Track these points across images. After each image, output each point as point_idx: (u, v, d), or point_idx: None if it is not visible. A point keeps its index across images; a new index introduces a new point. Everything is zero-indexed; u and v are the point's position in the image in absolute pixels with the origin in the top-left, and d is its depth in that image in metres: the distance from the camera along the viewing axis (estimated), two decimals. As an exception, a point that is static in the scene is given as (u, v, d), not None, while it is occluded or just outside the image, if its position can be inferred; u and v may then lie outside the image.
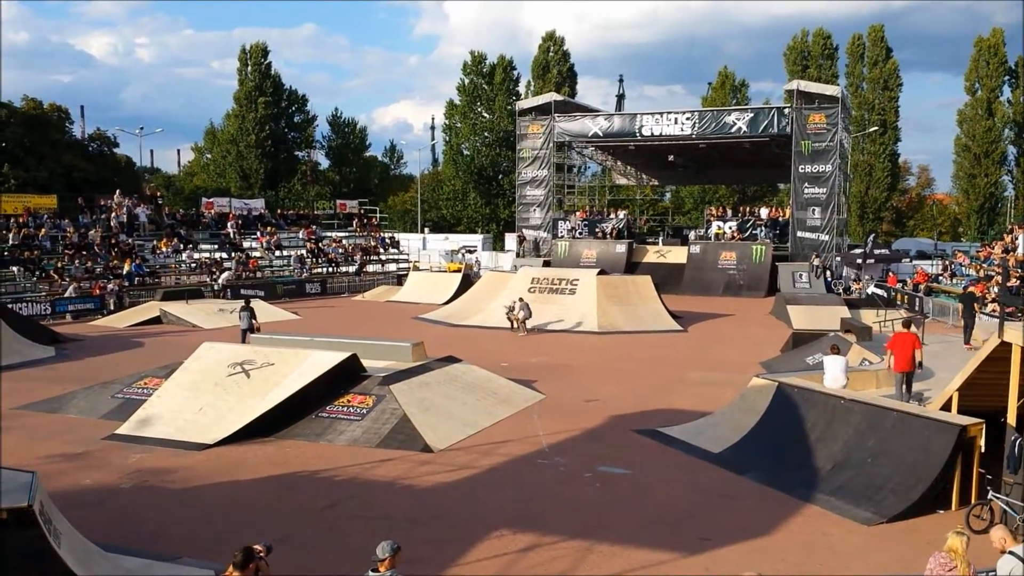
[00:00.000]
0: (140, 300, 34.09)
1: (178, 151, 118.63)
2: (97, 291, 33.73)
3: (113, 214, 41.33)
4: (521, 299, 29.40)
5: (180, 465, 13.25)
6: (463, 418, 15.95)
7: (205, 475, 12.77)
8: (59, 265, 34.94)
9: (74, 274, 34.32)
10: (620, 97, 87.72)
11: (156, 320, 30.81)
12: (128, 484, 12.40)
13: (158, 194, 57.30)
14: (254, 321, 25.06)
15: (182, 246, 41.62)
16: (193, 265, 40.13)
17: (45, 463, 12.73)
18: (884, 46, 66.00)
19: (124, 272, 36.08)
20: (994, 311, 25.87)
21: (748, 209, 51.95)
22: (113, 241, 39.09)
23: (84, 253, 36.74)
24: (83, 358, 23.45)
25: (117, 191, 44.81)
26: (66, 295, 32.86)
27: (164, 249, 40.67)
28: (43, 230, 37.36)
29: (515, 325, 28.90)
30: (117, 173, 63.98)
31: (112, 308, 32.88)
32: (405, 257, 51.03)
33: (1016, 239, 35.61)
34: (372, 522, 10.83)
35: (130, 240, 40.10)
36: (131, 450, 14.03)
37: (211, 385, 15.94)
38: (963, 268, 37.29)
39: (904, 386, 14.95)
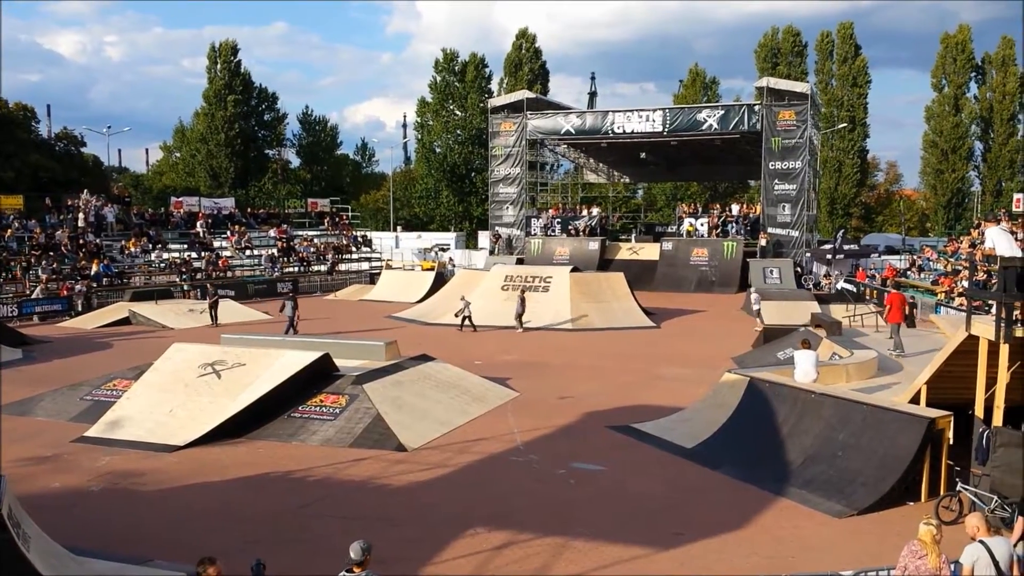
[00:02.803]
0: (108, 301, 33.69)
1: (146, 150, 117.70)
2: (64, 292, 33.32)
3: (80, 214, 40.84)
4: (463, 298, 29.72)
5: (150, 467, 13.11)
6: (437, 417, 15.92)
7: (176, 477, 12.65)
8: (23, 264, 34.44)
9: (41, 275, 33.87)
10: (592, 95, 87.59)
11: (125, 321, 30.46)
12: (98, 487, 12.26)
13: (126, 194, 56.67)
14: (297, 311, 27.52)
15: (151, 246, 41.23)
16: (162, 265, 39.74)
17: (13, 466, 12.52)
18: (853, 43, 66.62)
19: (92, 273, 35.66)
20: (961, 305, 26.20)
21: (720, 207, 52.26)
22: (81, 241, 38.64)
23: (51, 254, 36.26)
24: (51, 360, 23.14)
25: (84, 191, 44.31)
26: (33, 296, 32.44)
27: (132, 249, 40.27)
28: (9, 231, 36.84)
29: (466, 323, 28.90)
30: (84, 173, 63.11)
31: (80, 309, 32.49)
32: (378, 256, 50.83)
33: (983, 234, 36.08)
34: (346, 522, 10.78)
35: (98, 240, 39.64)
36: (101, 452, 13.86)
37: (181, 386, 15.80)
38: (931, 263, 37.75)
39: (898, 336, 19.74)
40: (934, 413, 11.68)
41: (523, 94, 50.92)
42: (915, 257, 40.54)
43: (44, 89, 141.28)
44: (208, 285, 35.41)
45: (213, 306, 30.43)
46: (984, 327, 11.16)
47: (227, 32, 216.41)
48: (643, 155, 49.60)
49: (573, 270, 33.65)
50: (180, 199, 50.43)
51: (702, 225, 46.29)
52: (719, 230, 45.08)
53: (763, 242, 42.52)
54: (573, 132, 47.90)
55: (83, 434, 14.83)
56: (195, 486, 12.26)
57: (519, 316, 28.74)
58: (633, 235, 51.12)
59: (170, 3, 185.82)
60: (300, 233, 49.88)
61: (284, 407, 15.42)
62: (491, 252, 48.73)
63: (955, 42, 64.26)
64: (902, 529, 10.09)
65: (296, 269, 45.10)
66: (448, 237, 60.31)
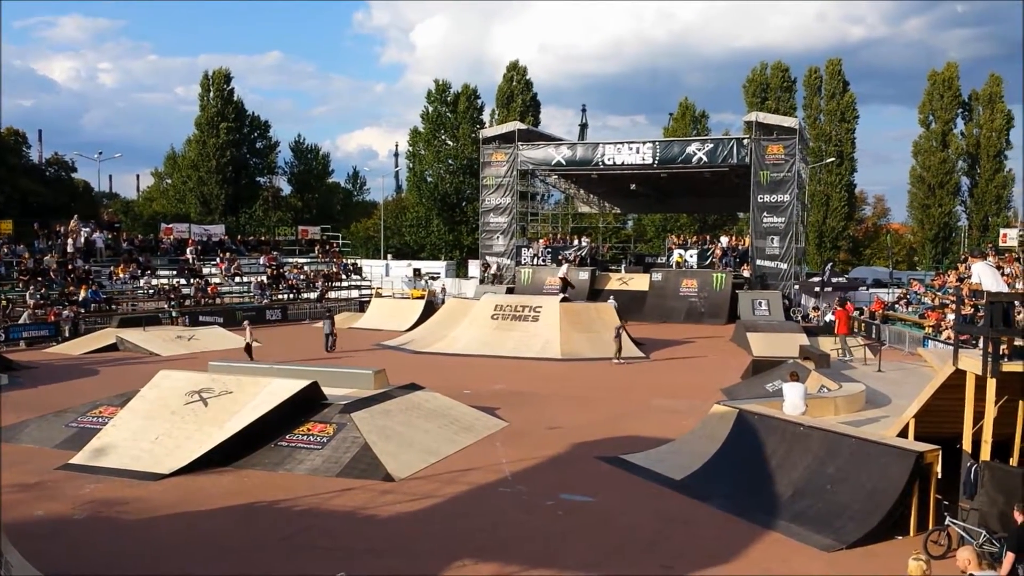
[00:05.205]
0: (96, 327, 33.50)
1: (137, 176, 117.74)
2: (52, 317, 33.13)
3: (70, 239, 40.72)
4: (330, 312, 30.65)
5: (135, 495, 13.00)
6: (425, 446, 15.84)
7: (161, 506, 12.54)
8: (7, 288, 34.25)
9: (28, 300, 33.70)
10: (583, 126, 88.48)
11: (112, 347, 30.31)
12: (82, 515, 12.14)
13: (116, 219, 56.57)
14: (335, 328, 30.78)
15: (140, 272, 41.07)
16: (151, 291, 39.59)
17: (-5, 494, 12.42)
18: (841, 79, 67.31)
19: (80, 299, 35.50)
20: (949, 339, 26.30)
21: (709, 239, 52.49)
22: (69, 267, 38.48)
23: (39, 279, 36.08)
24: (37, 386, 22.94)
25: (75, 216, 44.22)
26: (20, 322, 32.25)
27: (121, 275, 40.10)
28: (-3, 255, 36.71)
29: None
30: (75, 198, 63.18)
31: (67, 335, 32.30)
32: (368, 284, 50.77)
33: (970, 268, 36.32)
34: (332, 553, 10.69)
35: (87, 266, 39.50)
36: (85, 480, 13.74)
37: (168, 414, 15.69)
38: (918, 296, 37.94)
39: (844, 344, 25.25)
40: (922, 447, 11.70)
41: (515, 125, 51.17)
42: (904, 290, 40.73)
43: (36, 114, 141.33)
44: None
45: None
46: (971, 361, 11.21)
47: (221, 60, 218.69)
48: (633, 187, 49.82)
49: (563, 300, 33.68)
50: (170, 225, 50.32)
51: (691, 256, 46.41)
52: (720, 261, 45.16)
53: (746, 273, 42.66)
54: (564, 163, 48.10)
55: (68, 461, 14.70)
56: (180, 515, 12.15)
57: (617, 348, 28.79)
58: (623, 266, 51.18)
59: (164, 31, 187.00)
60: (290, 260, 49.79)
61: (271, 436, 15.31)
62: (481, 281, 48.74)
63: (942, 79, 65.03)
64: (890, 563, 10.07)
65: (285, 297, 44.98)
66: (439, 266, 60.32)
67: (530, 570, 10.23)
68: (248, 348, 28.16)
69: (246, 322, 30.52)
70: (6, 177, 56.54)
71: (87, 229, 42.85)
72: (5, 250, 37.49)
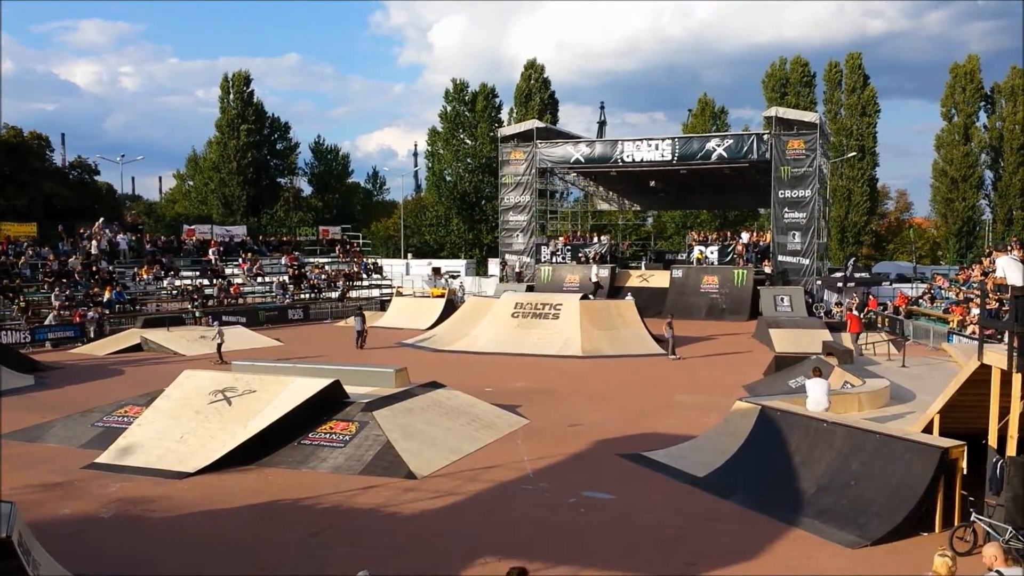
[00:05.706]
0: (120, 328, 33.82)
1: (159, 178, 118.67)
2: (77, 319, 33.48)
3: (94, 241, 41.13)
4: (219, 326, 30.66)
5: (161, 494, 13.11)
6: (447, 444, 15.87)
7: (186, 504, 12.65)
8: (32, 289, 34.61)
9: (54, 302, 34.07)
10: (602, 124, 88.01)
11: (137, 348, 30.58)
12: (108, 514, 12.26)
13: (139, 221, 57.03)
14: (365, 324, 32.01)
15: (163, 273, 41.42)
16: (174, 292, 39.91)
17: (24, 493, 12.56)
18: (862, 73, 66.77)
19: (104, 300, 35.84)
20: (974, 334, 26.08)
21: (729, 234, 52.28)
22: (94, 269, 38.86)
23: (64, 281, 36.47)
24: (63, 386, 23.24)
25: (99, 219, 44.64)
26: (46, 323, 32.60)
27: (145, 276, 40.46)
28: (23, 258, 37.09)
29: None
30: (98, 201, 63.63)
31: (92, 336, 32.62)
32: (388, 283, 50.94)
33: (994, 262, 35.93)
34: (355, 551, 10.74)
35: (111, 268, 39.88)
36: (111, 479, 13.87)
37: (192, 413, 15.83)
38: (943, 291, 37.61)
39: (856, 341, 26.97)
40: (947, 443, 11.59)
41: (533, 123, 51.10)
42: (928, 285, 40.38)
43: (59, 118, 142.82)
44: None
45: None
46: (996, 356, 11.11)
47: (241, 63, 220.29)
48: (652, 183, 49.68)
49: (583, 297, 33.64)
50: (192, 227, 50.67)
51: (712, 253, 46.23)
52: (741, 257, 44.99)
53: (767, 269, 42.44)
54: (583, 160, 48.02)
55: (94, 461, 14.86)
56: (205, 513, 12.25)
57: (672, 345, 29.15)
58: (643, 262, 51.09)
59: (185, 34, 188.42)
60: (311, 260, 50.05)
61: (294, 434, 15.41)
62: (501, 279, 48.76)
63: (964, 72, 64.39)
64: (916, 560, 10.00)
65: (307, 296, 45.21)
66: (458, 264, 60.41)
67: (553, 568, 10.23)
68: (219, 348, 28.32)
69: (217, 323, 31.28)
70: (30, 180, 57.04)
71: (111, 231, 43.28)
72: (30, 252, 37.91)
